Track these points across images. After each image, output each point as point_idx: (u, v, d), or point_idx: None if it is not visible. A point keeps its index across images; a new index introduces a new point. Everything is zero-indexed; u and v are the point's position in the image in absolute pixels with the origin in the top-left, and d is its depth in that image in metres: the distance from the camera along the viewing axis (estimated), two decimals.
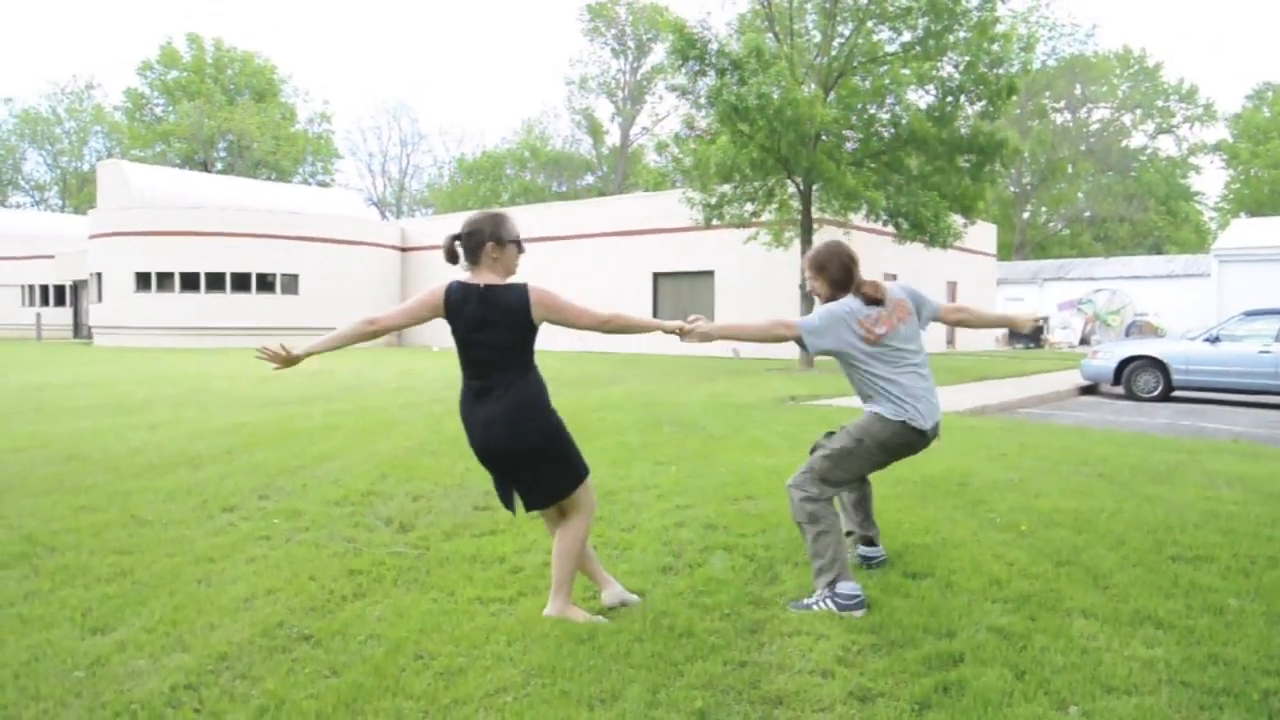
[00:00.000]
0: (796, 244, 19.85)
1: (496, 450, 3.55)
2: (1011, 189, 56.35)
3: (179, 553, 4.60)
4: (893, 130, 18.69)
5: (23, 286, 43.58)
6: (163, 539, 4.87)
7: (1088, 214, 58.70)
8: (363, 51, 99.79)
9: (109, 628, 3.57)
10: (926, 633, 3.50)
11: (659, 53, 53.59)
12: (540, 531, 5.03)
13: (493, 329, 3.49)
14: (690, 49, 17.84)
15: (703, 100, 18.77)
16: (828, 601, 3.77)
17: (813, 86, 18.88)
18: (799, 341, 4.03)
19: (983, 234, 32.36)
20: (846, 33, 19.10)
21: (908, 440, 4.05)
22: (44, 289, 42.77)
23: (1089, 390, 15.86)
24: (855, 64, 18.80)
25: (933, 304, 4.33)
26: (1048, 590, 3.99)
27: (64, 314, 42.12)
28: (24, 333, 41.45)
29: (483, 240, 3.54)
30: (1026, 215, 59.34)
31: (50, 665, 3.23)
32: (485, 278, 3.55)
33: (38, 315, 41.29)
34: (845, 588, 3.78)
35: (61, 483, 6.42)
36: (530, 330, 3.55)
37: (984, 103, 18.28)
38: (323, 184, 65.10)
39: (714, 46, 17.99)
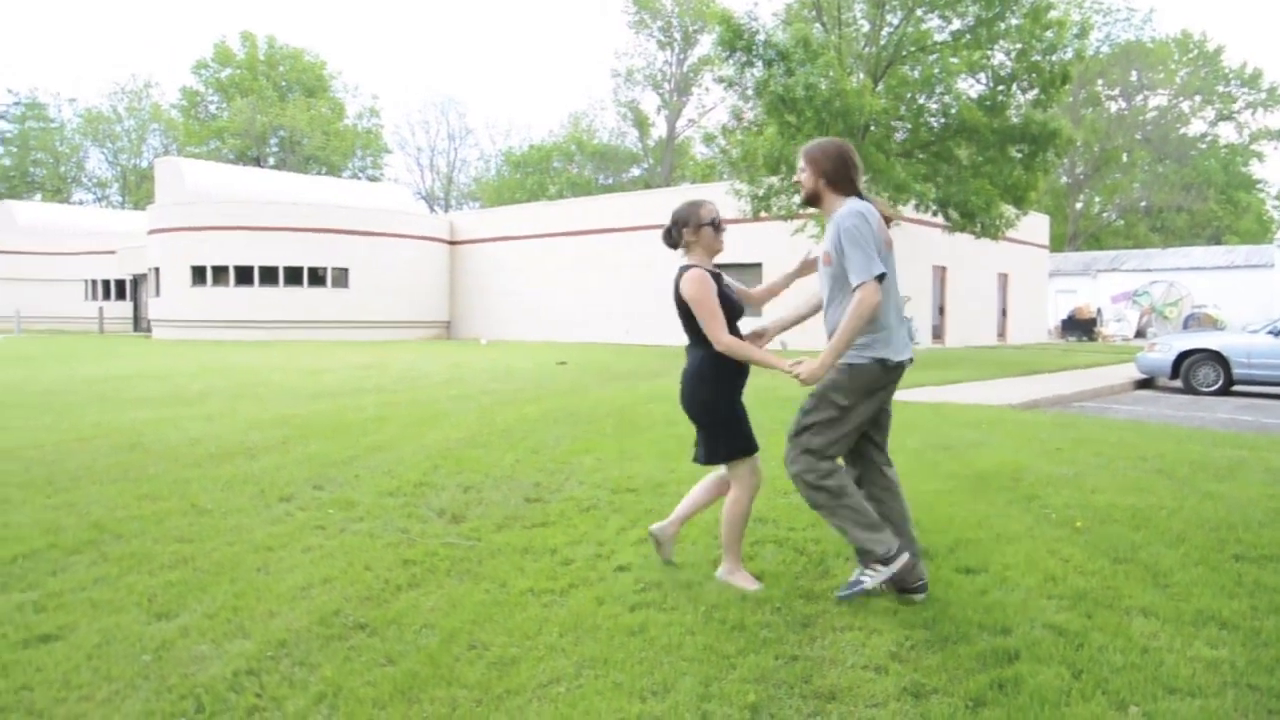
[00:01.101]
0: None
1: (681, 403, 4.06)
2: (1064, 179, 55.31)
3: (238, 541, 4.70)
4: (942, 120, 18.44)
5: (86, 281, 44.77)
6: (222, 527, 4.98)
7: (1143, 204, 57.40)
8: (411, 47, 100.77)
9: (173, 613, 3.67)
10: (981, 629, 3.46)
11: (705, 44, 53.50)
12: (590, 524, 5.06)
13: (675, 300, 3.95)
14: (737, 40, 17.74)
15: (750, 91, 18.69)
16: (871, 570, 3.71)
17: (861, 76, 18.69)
18: (879, 280, 3.61)
19: (1035, 225, 31.82)
20: (895, 21, 18.87)
21: (891, 380, 3.78)
22: (105, 283, 43.90)
23: (1145, 384, 15.53)
24: (904, 53, 18.56)
25: None
26: (1105, 588, 3.93)
27: (124, 308, 43.19)
28: (87, 326, 42.57)
29: (680, 230, 3.98)
30: (1080, 205, 58.20)
31: (119, 648, 3.32)
32: (686, 259, 4.02)
33: (100, 309, 42.37)
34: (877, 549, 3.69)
35: (126, 471, 6.59)
36: (686, 307, 3.89)
37: (1036, 91, 17.96)
38: (372, 178, 65.95)
39: (761, 37, 17.88)
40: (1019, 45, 17.42)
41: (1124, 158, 56.23)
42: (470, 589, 3.95)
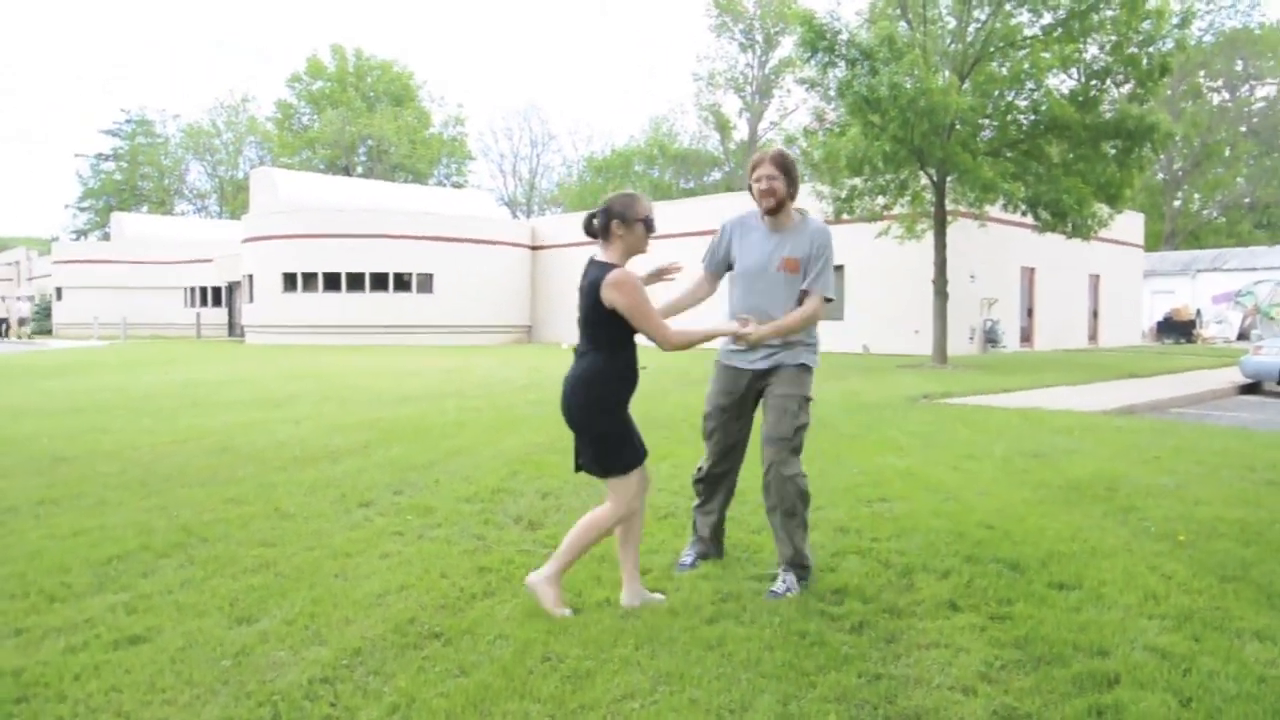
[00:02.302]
0: (930, 237, 19.24)
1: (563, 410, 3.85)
2: (1161, 176, 53.18)
3: (318, 546, 4.75)
4: (1032, 117, 17.89)
5: (185, 289, 46.55)
6: (303, 532, 5.05)
7: (1248, 200, 54.84)
8: (494, 56, 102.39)
9: (253, 618, 3.71)
10: (1077, 650, 3.28)
11: (787, 46, 52.96)
12: (668, 533, 5.00)
13: (580, 296, 3.74)
14: (819, 40, 17.49)
15: (832, 92, 18.39)
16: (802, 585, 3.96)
17: (947, 74, 18.24)
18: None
19: (1129, 224, 30.66)
20: (983, 17, 18.37)
21: None
22: (203, 290, 45.57)
23: (1250, 389, 14.81)
24: (992, 49, 18.05)
25: None
26: (1213, 608, 3.70)
27: (220, 314, 44.76)
28: (186, 331, 44.27)
29: (608, 220, 3.73)
30: (1178, 203, 55.92)
31: (201, 652, 3.37)
32: (604, 254, 3.75)
33: (197, 315, 44.04)
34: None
35: (215, 474, 6.76)
36: (600, 311, 3.63)
37: (1132, 84, 17.29)
38: (457, 185, 67.06)
39: (844, 37, 17.59)
40: (1114, 38, 16.78)
41: (1227, 152, 53.77)
42: None
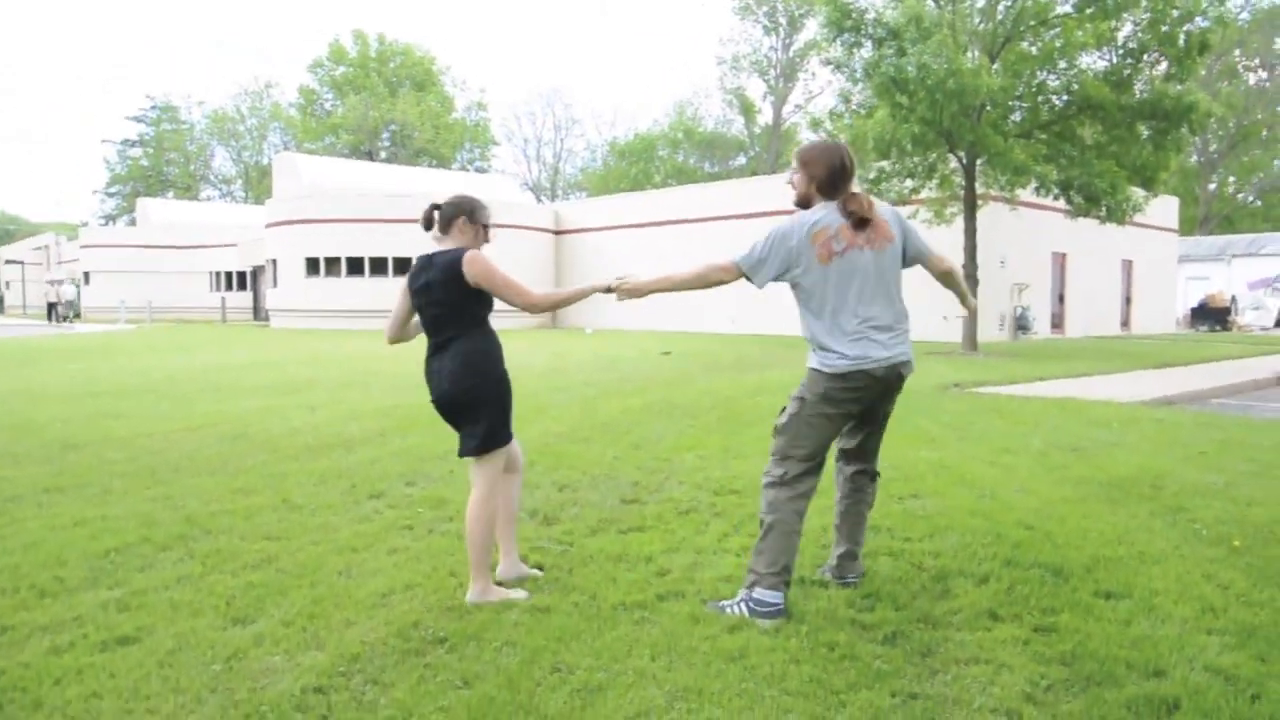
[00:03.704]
0: (960, 221, 18.83)
1: (441, 399, 3.81)
2: (1196, 158, 52.10)
3: (324, 540, 4.56)
4: (1065, 98, 17.40)
5: (210, 273, 46.76)
6: (310, 525, 4.87)
7: None
8: (517, 40, 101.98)
9: (250, 618, 3.52)
10: (1130, 669, 3.02)
11: (812, 28, 52.21)
12: (690, 529, 4.77)
13: (435, 289, 3.73)
14: (845, 20, 17.08)
15: (859, 74, 17.98)
16: (742, 605, 3.52)
17: (976, 54, 17.78)
18: (748, 280, 3.64)
19: (1163, 208, 29.98)
20: None
21: (858, 387, 3.57)
22: (228, 275, 45.75)
23: None
24: (1023, 28, 17.55)
25: (920, 242, 3.81)
26: (1278, 623, 3.41)
27: (245, 298, 44.92)
28: (211, 315, 44.44)
29: (456, 215, 3.83)
30: (1213, 186, 54.82)
31: (192, 656, 3.19)
32: (445, 246, 3.82)
33: (222, 299, 44.20)
34: (764, 594, 3.49)
35: (225, 463, 6.60)
36: (465, 290, 3.69)
37: (1168, 63, 16.75)
38: (480, 170, 66.89)
39: (870, 16, 17.17)
40: (1149, 15, 16.25)
41: (1264, 133, 52.58)
42: (558, 600, 3.69)
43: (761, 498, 3.66)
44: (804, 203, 3.68)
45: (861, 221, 3.53)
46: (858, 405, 3.65)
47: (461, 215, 3.83)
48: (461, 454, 3.79)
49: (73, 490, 5.75)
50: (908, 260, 3.76)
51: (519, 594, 3.75)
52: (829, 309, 3.55)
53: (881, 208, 3.65)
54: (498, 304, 3.89)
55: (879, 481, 4.05)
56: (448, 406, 3.80)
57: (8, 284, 68.56)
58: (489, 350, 3.80)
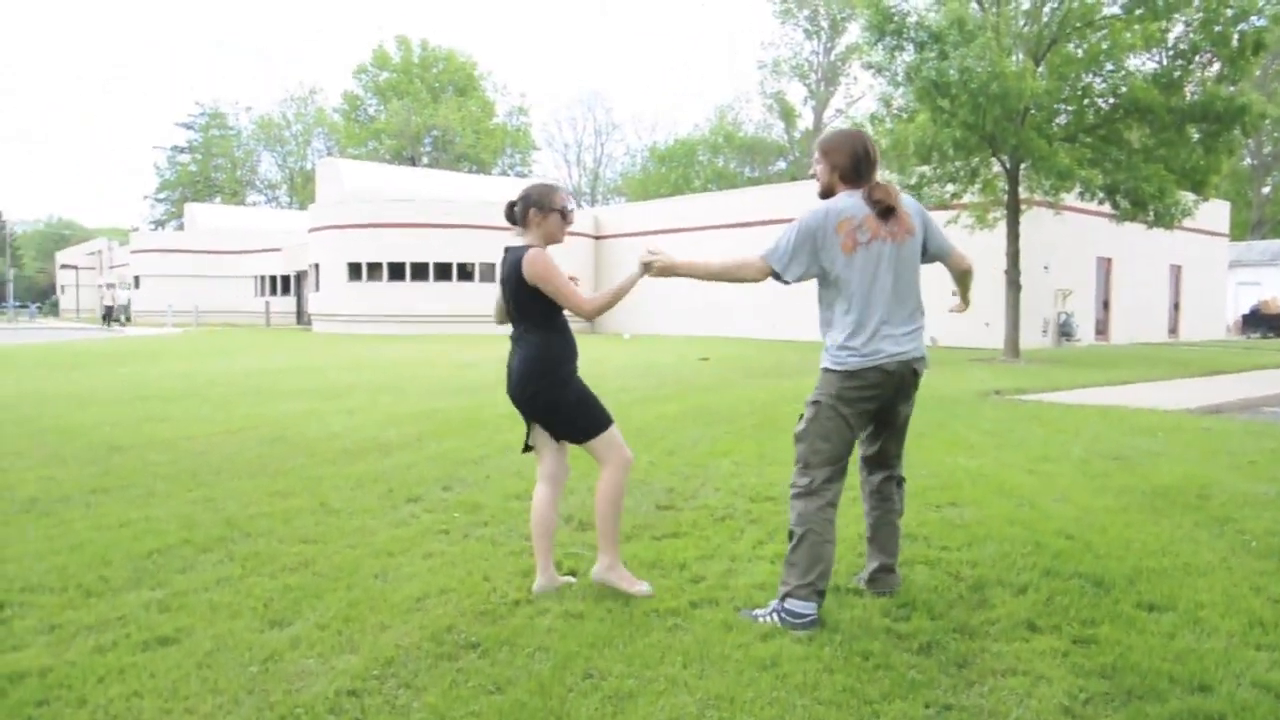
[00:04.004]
0: (1002, 226, 18.60)
1: (511, 397, 3.88)
2: (1248, 161, 51.01)
3: (360, 544, 4.61)
4: (1111, 100, 17.13)
5: (255, 277, 47.57)
6: (347, 528, 4.91)
7: None
8: (558, 45, 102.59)
9: (286, 621, 3.56)
10: (1173, 683, 2.95)
11: (853, 32, 51.96)
12: (725, 536, 4.75)
13: (506, 285, 3.81)
14: (886, 23, 16.97)
15: (900, 78, 17.83)
16: (775, 615, 3.49)
17: (1020, 57, 17.55)
18: (776, 277, 3.58)
19: (1213, 212, 29.37)
20: None
21: (871, 384, 3.51)
22: (272, 279, 46.50)
23: None
24: (1069, 30, 17.31)
25: (942, 238, 3.77)
26: None
27: (288, 302, 45.60)
28: (256, 320, 45.18)
29: (526, 208, 3.83)
30: (1266, 190, 53.65)
31: (230, 657, 3.23)
32: (522, 240, 3.85)
33: (266, 304, 44.91)
34: (796, 605, 3.45)
35: (264, 465, 6.69)
36: (527, 288, 3.71)
37: (1221, 64, 16.42)
38: (521, 175, 67.34)
39: (913, 19, 17.03)
40: (1200, 15, 15.94)
41: None
42: (591, 607, 3.69)
43: (790, 509, 3.63)
44: (828, 193, 3.65)
45: (886, 211, 3.48)
46: (873, 404, 3.59)
47: (530, 207, 3.83)
48: (525, 450, 3.97)
49: (118, 491, 5.86)
50: (928, 256, 3.72)
51: (641, 586, 3.79)
52: (849, 302, 3.51)
53: (904, 199, 3.61)
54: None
55: (906, 487, 3.99)
56: (518, 405, 3.87)
57: (63, 288, 70.24)
58: (552, 353, 3.79)
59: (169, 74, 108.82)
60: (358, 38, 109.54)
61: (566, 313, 3.84)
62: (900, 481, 3.92)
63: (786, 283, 3.65)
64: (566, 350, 3.84)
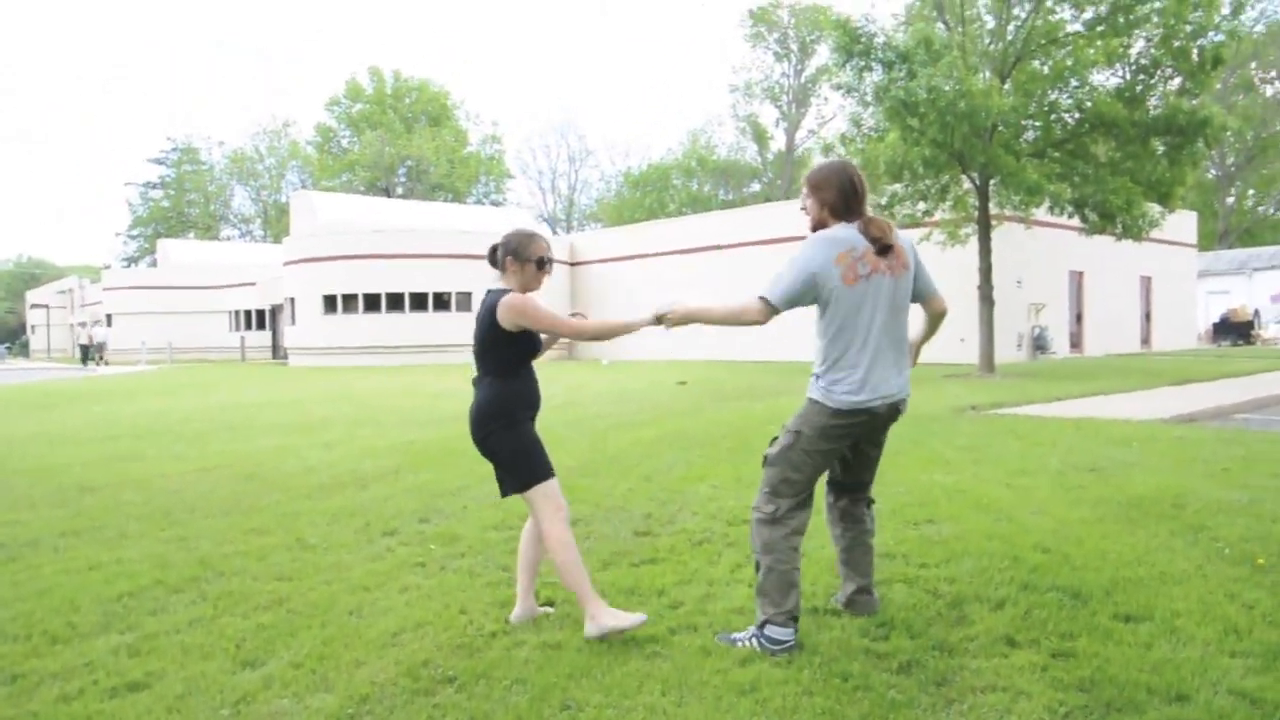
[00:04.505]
0: (974, 242, 18.77)
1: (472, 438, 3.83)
2: (1213, 172, 51.83)
3: (336, 580, 4.55)
4: (1077, 115, 17.37)
5: (230, 312, 47.21)
6: (322, 565, 4.85)
7: None
8: (529, 73, 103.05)
9: (260, 661, 3.51)
10: (1151, 694, 2.95)
11: (823, 54, 52.58)
12: (702, 561, 4.73)
13: (477, 325, 3.75)
14: (854, 44, 17.13)
15: (869, 97, 18.00)
16: (754, 640, 3.47)
17: (987, 75, 17.78)
18: (777, 311, 3.49)
19: (1181, 223, 29.80)
20: (1023, 15, 17.90)
21: (857, 424, 3.50)
22: (247, 314, 46.17)
23: None
24: (1034, 47, 17.57)
25: (928, 279, 3.71)
26: None
27: (264, 337, 45.29)
28: (231, 355, 44.82)
29: (505, 254, 3.80)
30: (1231, 200, 54.50)
31: (201, 700, 3.17)
32: (501, 284, 3.82)
33: (241, 339, 44.57)
34: (775, 632, 3.44)
35: (238, 502, 6.61)
36: (497, 333, 3.67)
37: (1182, 78, 16.71)
38: (495, 203, 67.37)
39: (880, 40, 17.23)
40: (1161, 30, 16.24)
41: None
42: (569, 636, 3.66)
43: (754, 534, 3.59)
44: (818, 228, 3.57)
45: (885, 248, 3.46)
46: (853, 440, 3.60)
47: (508, 254, 3.79)
48: (502, 495, 3.85)
49: (89, 533, 5.77)
50: (915, 293, 3.65)
51: (634, 618, 3.64)
52: (846, 334, 3.44)
53: (898, 234, 3.58)
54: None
55: (877, 506, 3.99)
56: (478, 448, 3.81)
57: (33, 328, 69.50)
58: (508, 398, 3.73)
59: (169, 74, 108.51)
60: (330, 70, 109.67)
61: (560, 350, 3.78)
62: (870, 502, 3.91)
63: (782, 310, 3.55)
64: (526, 398, 3.79)
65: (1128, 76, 17.28)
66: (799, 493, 3.56)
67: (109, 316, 48.99)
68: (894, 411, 3.57)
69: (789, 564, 3.49)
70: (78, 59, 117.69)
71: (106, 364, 39.18)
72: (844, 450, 3.65)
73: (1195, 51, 16.10)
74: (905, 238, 3.63)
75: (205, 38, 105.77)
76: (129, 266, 68.66)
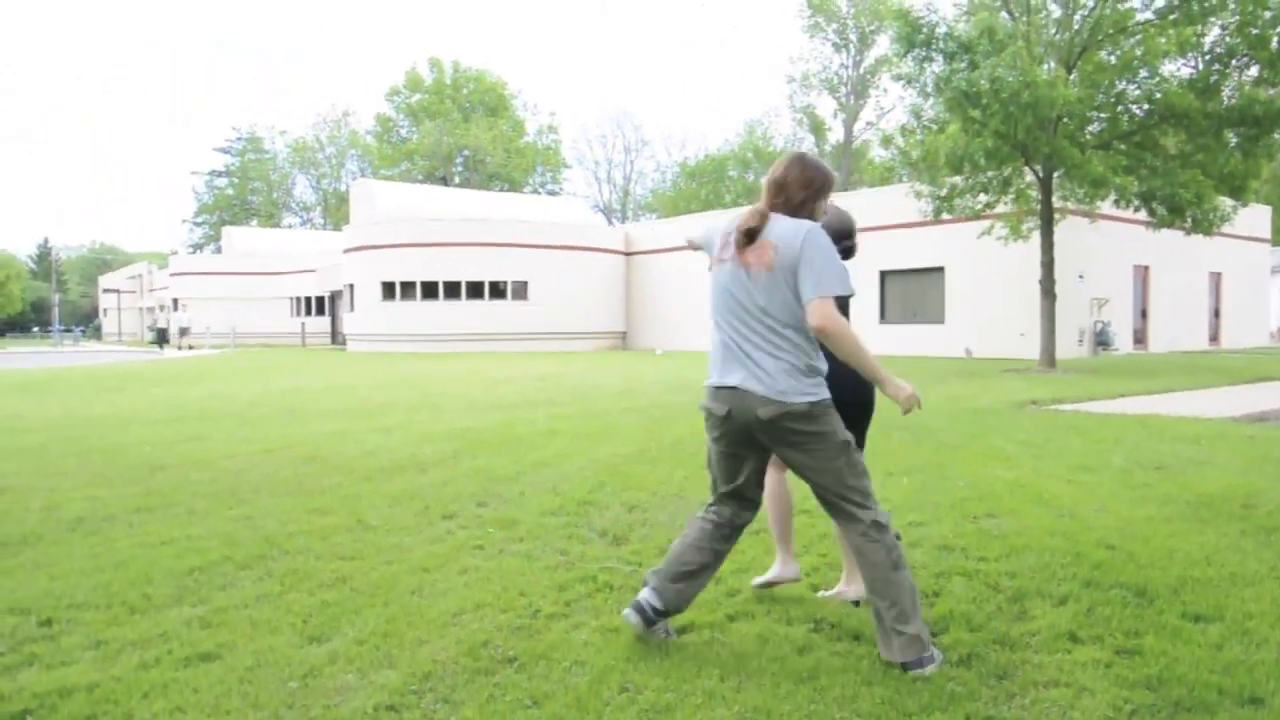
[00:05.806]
0: (1037, 236, 18.43)
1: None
2: None
3: (397, 560, 4.64)
4: (1146, 107, 16.94)
5: (291, 298, 48.17)
6: (383, 545, 4.95)
7: None
8: (587, 63, 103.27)
9: (325, 637, 3.59)
10: (1221, 695, 2.90)
11: (882, 44, 51.99)
12: (760, 549, 4.73)
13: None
14: (915, 35, 16.92)
15: (930, 88, 17.76)
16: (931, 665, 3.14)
17: (1052, 65, 17.43)
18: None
19: (1254, 217, 28.92)
20: (1091, 4, 17.51)
21: (712, 424, 3.36)
22: (307, 300, 47.07)
23: None
24: (1101, 37, 17.17)
25: (815, 281, 3.08)
26: None
27: (323, 323, 46.15)
28: (292, 340, 45.75)
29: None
30: None
31: (270, 673, 3.26)
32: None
33: (302, 324, 45.46)
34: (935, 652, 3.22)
35: (301, 484, 6.76)
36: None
37: (1259, 67, 16.21)
38: (551, 193, 67.75)
39: (942, 30, 16.97)
40: (1236, 18, 15.75)
41: None
42: None
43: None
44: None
45: (745, 236, 3.19)
46: (720, 434, 3.35)
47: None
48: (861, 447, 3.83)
49: (160, 510, 5.95)
50: (802, 295, 3.12)
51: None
52: (715, 324, 3.36)
53: (787, 232, 3.15)
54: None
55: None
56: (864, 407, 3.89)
57: (105, 311, 71.56)
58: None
59: (169, 74, 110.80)
60: (389, 61, 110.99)
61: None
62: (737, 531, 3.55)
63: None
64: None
65: (1200, 66, 16.82)
66: (713, 488, 3.52)
67: (175, 301, 50.28)
68: (747, 415, 3.18)
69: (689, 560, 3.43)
70: (78, 59, 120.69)
71: (191, 348, 40.06)
72: (727, 449, 3.37)
73: (1275, 39, 15.59)
74: (804, 235, 3.12)
75: (205, 38, 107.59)
76: (194, 253, 70.37)
